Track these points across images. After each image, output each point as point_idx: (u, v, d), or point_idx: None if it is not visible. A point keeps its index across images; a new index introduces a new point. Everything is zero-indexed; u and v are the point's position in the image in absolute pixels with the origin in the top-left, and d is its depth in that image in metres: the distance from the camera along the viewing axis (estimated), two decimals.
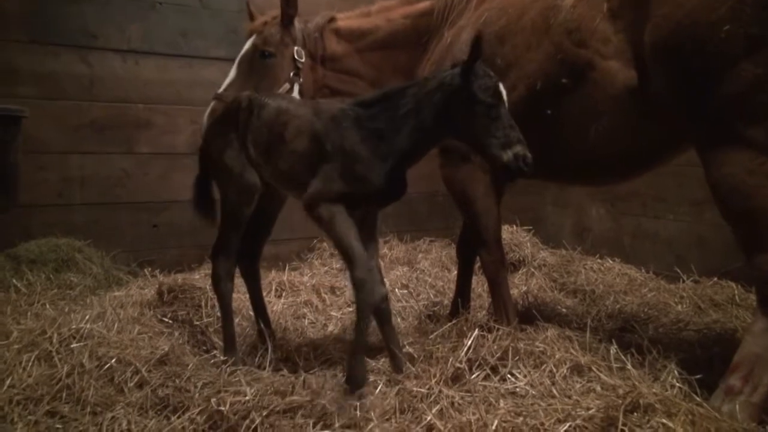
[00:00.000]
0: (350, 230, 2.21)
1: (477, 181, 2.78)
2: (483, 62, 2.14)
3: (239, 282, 3.75)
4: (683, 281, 3.82)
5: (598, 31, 2.31)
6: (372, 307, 2.26)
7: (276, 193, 2.78)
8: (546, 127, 2.51)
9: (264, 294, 3.03)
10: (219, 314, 2.77)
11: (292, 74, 3.09)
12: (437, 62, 2.97)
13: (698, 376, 2.16)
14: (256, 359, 2.61)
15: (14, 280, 3.43)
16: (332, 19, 3.32)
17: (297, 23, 3.16)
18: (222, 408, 2.06)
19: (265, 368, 2.51)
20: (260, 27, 3.14)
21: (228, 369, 2.43)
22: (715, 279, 3.71)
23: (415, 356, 2.44)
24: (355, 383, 2.20)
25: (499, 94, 2.09)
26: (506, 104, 2.12)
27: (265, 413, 2.05)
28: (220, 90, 3.02)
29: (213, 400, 2.10)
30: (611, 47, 2.30)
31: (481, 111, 2.07)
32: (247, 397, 2.11)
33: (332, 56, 3.29)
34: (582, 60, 2.36)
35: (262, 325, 2.87)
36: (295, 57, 3.09)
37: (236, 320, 3.14)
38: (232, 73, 3.07)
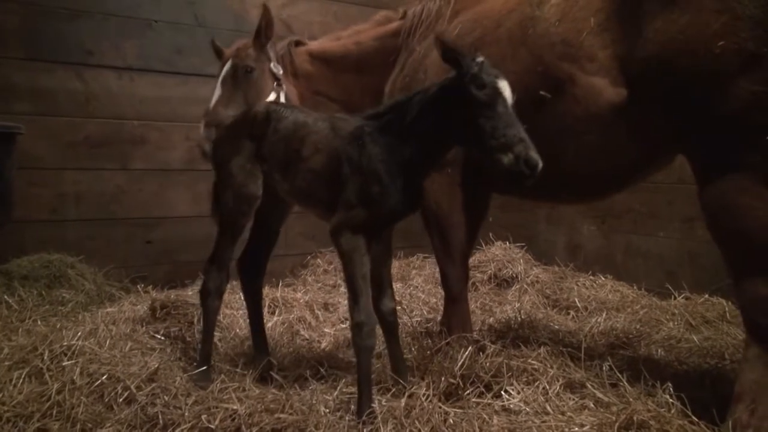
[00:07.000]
0: (364, 269, 2.19)
1: (450, 194, 2.74)
2: (486, 61, 1.97)
3: (237, 298, 3.77)
4: (674, 298, 3.83)
5: (583, 47, 2.24)
6: (370, 350, 2.21)
7: (279, 207, 2.76)
8: None
9: None
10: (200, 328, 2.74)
11: (275, 84, 3.22)
12: (410, 75, 2.96)
13: (690, 393, 2.16)
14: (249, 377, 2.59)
15: (6, 296, 3.40)
16: (298, 42, 3.47)
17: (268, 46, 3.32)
18: (211, 425, 2.05)
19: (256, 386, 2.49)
20: (235, 52, 3.24)
21: (218, 386, 2.41)
22: (706, 296, 3.72)
23: (409, 375, 2.44)
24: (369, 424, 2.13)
25: (497, 90, 1.91)
26: (508, 101, 1.93)
27: (255, 430, 2.04)
28: (210, 107, 3.08)
29: (203, 416, 2.09)
30: (596, 63, 2.22)
31: (477, 111, 1.89)
32: (238, 413, 2.10)
33: (305, 74, 3.41)
34: (564, 74, 2.29)
35: (258, 349, 2.78)
36: (273, 70, 3.23)
37: (228, 335, 3.15)
38: (218, 91, 3.13)
